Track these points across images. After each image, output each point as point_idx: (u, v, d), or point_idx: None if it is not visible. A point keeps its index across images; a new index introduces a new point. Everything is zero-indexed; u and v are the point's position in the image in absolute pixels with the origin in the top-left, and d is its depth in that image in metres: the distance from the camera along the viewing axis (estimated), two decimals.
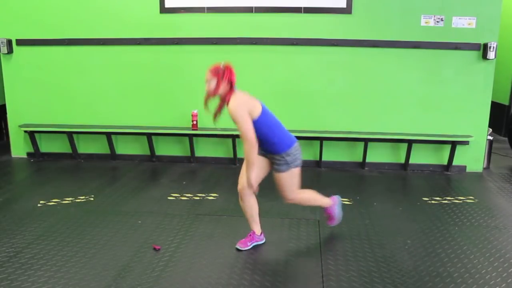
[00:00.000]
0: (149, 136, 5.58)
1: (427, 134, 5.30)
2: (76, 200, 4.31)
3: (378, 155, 5.48)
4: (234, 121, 2.98)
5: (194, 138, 5.56)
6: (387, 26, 5.17)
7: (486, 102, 5.26)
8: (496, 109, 6.43)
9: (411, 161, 5.41)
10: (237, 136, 5.12)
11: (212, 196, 4.45)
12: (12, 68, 5.66)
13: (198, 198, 4.41)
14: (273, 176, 3.22)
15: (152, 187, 4.75)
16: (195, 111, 5.38)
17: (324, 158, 5.48)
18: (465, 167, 5.44)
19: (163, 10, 5.33)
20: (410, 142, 5.30)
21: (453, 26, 5.09)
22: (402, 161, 5.47)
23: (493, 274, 3.00)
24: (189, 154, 5.67)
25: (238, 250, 3.28)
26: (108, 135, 5.62)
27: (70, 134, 5.65)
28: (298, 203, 3.40)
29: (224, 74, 2.99)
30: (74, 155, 5.77)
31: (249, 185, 3.12)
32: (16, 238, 3.47)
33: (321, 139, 5.37)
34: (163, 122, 5.61)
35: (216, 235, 3.57)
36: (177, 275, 2.97)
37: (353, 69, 5.30)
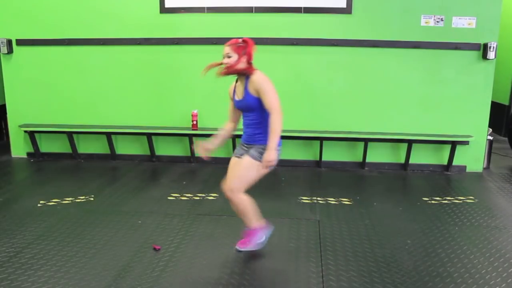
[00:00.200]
0: (149, 136, 5.58)
1: (427, 134, 5.30)
2: (76, 200, 4.31)
3: (378, 155, 5.48)
4: (262, 90, 2.90)
5: (194, 138, 5.56)
6: (387, 26, 5.18)
7: (486, 102, 5.26)
8: (496, 109, 6.42)
9: (411, 161, 5.41)
10: (237, 136, 5.12)
11: (212, 196, 4.45)
12: (12, 68, 5.66)
13: (198, 198, 4.41)
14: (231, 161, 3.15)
15: (152, 187, 4.75)
16: (195, 111, 5.39)
17: (324, 158, 5.48)
18: (465, 167, 5.44)
19: (163, 10, 5.33)
20: (410, 142, 5.30)
21: (453, 26, 5.09)
22: (402, 161, 5.47)
23: (493, 274, 3.00)
24: (189, 154, 5.67)
25: (238, 251, 3.28)
26: (108, 135, 5.62)
27: (70, 134, 5.65)
28: (232, 202, 3.09)
29: (245, 49, 2.95)
30: (74, 155, 5.77)
31: (270, 159, 2.86)
32: (16, 238, 3.47)
33: (321, 139, 5.37)
34: (163, 122, 5.61)
35: (216, 235, 3.57)
36: (177, 275, 2.97)
37: (353, 69, 5.30)
